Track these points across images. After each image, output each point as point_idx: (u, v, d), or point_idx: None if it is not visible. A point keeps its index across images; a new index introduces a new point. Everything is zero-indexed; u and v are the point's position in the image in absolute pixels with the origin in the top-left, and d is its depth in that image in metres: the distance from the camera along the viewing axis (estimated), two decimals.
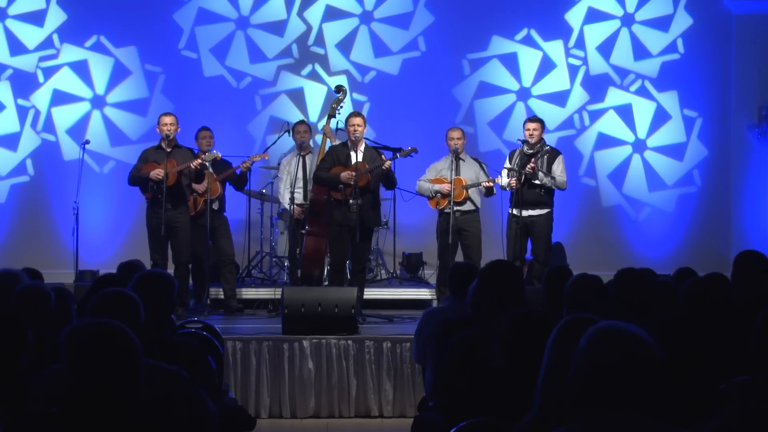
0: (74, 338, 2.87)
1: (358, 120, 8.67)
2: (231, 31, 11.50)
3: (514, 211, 9.03)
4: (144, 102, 11.41)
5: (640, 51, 11.71)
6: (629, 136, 11.71)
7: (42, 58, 11.34)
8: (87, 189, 10.41)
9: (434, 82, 11.50)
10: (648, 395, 2.49)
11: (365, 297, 8.99)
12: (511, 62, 11.63)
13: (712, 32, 11.74)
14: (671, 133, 11.73)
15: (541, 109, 11.17)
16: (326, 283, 9.19)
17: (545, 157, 9.06)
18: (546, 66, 11.64)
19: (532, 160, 8.95)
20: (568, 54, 11.63)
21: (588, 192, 11.65)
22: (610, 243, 11.52)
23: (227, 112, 11.33)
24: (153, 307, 4.12)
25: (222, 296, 9.38)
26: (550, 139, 10.24)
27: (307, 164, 9.59)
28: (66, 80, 11.36)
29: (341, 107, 9.76)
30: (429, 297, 9.82)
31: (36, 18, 11.34)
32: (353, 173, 8.48)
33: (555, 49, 11.64)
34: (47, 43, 11.34)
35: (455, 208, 8.99)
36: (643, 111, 11.71)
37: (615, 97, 11.69)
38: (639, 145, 11.72)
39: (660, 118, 11.72)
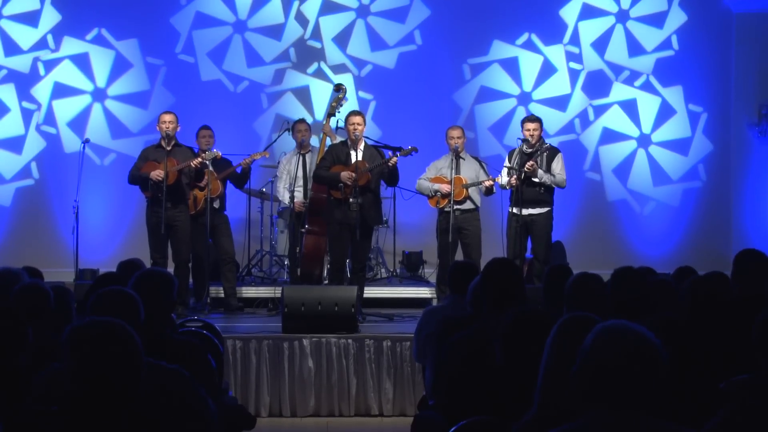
0: (76, 337, 2.86)
1: (357, 119, 8.67)
2: (228, 34, 11.49)
3: (514, 210, 9.03)
4: (145, 95, 11.41)
5: (634, 47, 11.71)
6: (634, 131, 11.71)
7: (42, 53, 11.32)
8: (87, 182, 10.38)
9: (435, 87, 11.49)
10: (652, 395, 2.49)
11: (365, 296, 8.99)
12: (511, 67, 11.63)
13: (713, 30, 11.73)
14: (676, 127, 11.73)
15: (542, 113, 11.06)
16: (326, 281, 9.19)
17: (544, 155, 9.06)
18: (547, 70, 11.64)
19: (531, 160, 8.94)
20: (568, 58, 11.61)
21: (593, 186, 11.66)
22: (610, 241, 11.52)
23: (233, 110, 11.35)
24: (153, 306, 4.12)
25: (222, 295, 9.38)
26: (551, 143, 10.22)
27: (307, 163, 9.59)
28: (67, 73, 11.36)
29: (341, 106, 9.75)
30: (429, 296, 9.82)
31: (30, 18, 11.32)
32: (353, 173, 8.48)
33: (556, 53, 11.64)
34: (42, 43, 11.32)
35: (455, 207, 8.99)
36: (648, 106, 11.71)
37: (619, 92, 11.69)
38: (644, 140, 11.73)
39: (665, 113, 11.72)
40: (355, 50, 11.58)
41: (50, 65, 11.35)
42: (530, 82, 11.63)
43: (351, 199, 8.48)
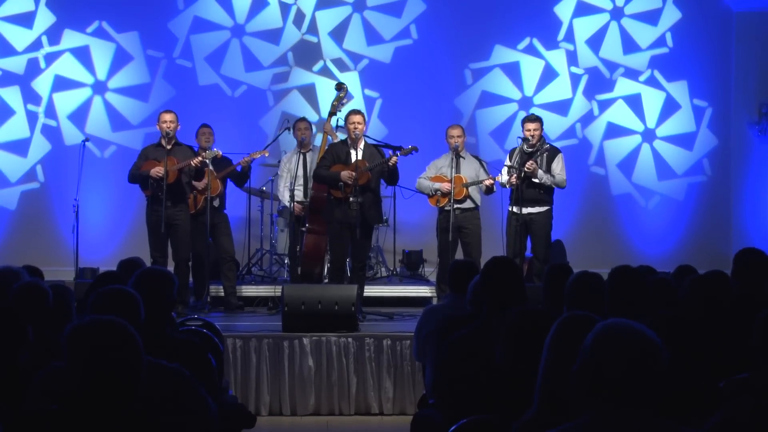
0: (76, 336, 2.87)
1: (358, 118, 8.67)
2: (226, 39, 11.47)
3: (514, 209, 9.03)
4: (145, 87, 11.41)
5: (629, 44, 11.71)
6: (639, 126, 11.72)
7: (38, 53, 11.31)
8: (88, 176, 10.36)
9: (437, 91, 11.47)
10: (653, 394, 2.49)
11: (365, 294, 8.99)
12: (513, 71, 11.63)
13: (713, 28, 11.73)
14: (681, 122, 11.73)
15: (543, 118, 11.08)
16: (326, 280, 9.20)
17: (545, 155, 9.05)
18: (548, 75, 11.63)
19: (531, 159, 8.92)
20: (570, 62, 11.60)
21: (597, 180, 11.66)
22: (610, 240, 11.52)
23: (238, 108, 11.35)
24: (153, 305, 4.12)
25: (222, 294, 9.38)
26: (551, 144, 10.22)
27: (307, 161, 9.59)
28: (68, 66, 11.36)
29: (342, 105, 9.75)
30: (429, 294, 9.83)
31: (25, 20, 11.31)
32: (353, 172, 8.47)
33: (557, 58, 11.64)
34: (36, 44, 11.31)
35: (455, 206, 8.99)
36: (653, 101, 11.71)
37: (624, 87, 11.69)
38: (648, 135, 11.73)
39: (670, 107, 11.72)
40: (351, 45, 11.58)
41: (51, 58, 11.34)
42: (531, 86, 11.62)
43: (351, 198, 8.47)
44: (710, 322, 4.37)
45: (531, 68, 11.64)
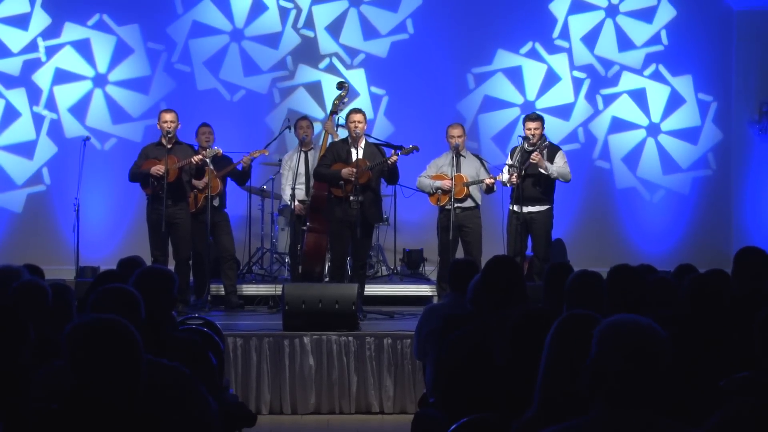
0: (76, 335, 2.87)
1: (358, 116, 8.66)
2: (225, 43, 11.46)
3: (515, 208, 9.03)
4: (146, 80, 11.41)
5: (624, 42, 11.70)
6: (643, 120, 11.72)
7: (44, 38, 11.32)
8: (88, 170, 10.33)
9: (439, 96, 11.44)
10: (659, 390, 2.49)
11: (366, 293, 8.99)
12: (515, 76, 11.63)
13: (713, 27, 11.72)
14: (686, 117, 11.73)
15: (545, 122, 11.08)
16: (327, 279, 9.19)
17: (545, 152, 9.05)
18: (550, 79, 11.63)
19: (536, 152, 8.90)
20: (572, 66, 11.59)
21: (602, 174, 11.67)
22: (610, 239, 11.53)
23: (238, 111, 11.33)
24: (153, 304, 4.12)
25: (223, 292, 9.38)
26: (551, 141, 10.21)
27: (309, 160, 9.59)
28: (68, 59, 11.35)
29: (344, 104, 9.75)
30: (429, 293, 9.83)
31: (20, 21, 11.30)
32: (354, 170, 8.47)
33: (559, 62, 11.63)
34: (31, 46, 11.30)
35: (456, 205, 8.99)
36: (658, 95, 11.70)
37: (629, 81, 11.68)
38: (653, 129, 11.73)
39: (674, 102, 11.72)
40: (347, 39, 11.57)
41: (51, 51, 11.34)
42: (534, 91, 11.62)
43: (351, 197, 8.47)
44: (710, 321, 4.37)
45: (533, 72, 11.63)
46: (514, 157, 9.16)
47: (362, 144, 8.69)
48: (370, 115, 11.31)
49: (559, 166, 9.03)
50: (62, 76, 11.35)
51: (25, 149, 11.31)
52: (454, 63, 11.57)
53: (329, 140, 9.42)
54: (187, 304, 8.99)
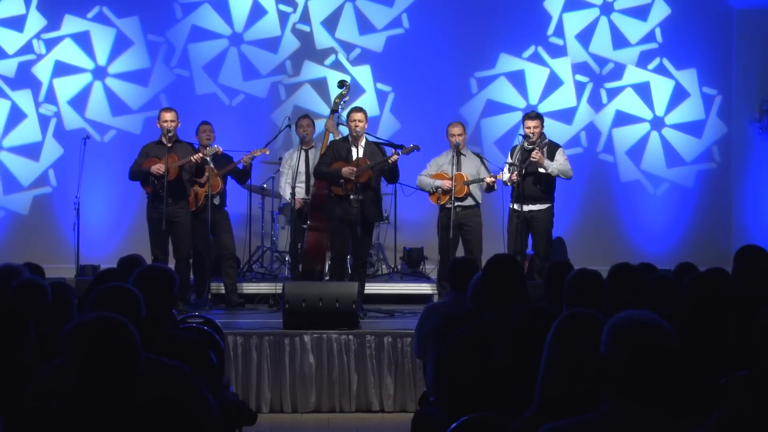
0: (76, 334, 2.87)
1: (359, 115, 8.66)
2: (224, 47, 11.44)
3: (515, 206, 9.03)
4: (145, 72, 11.40)
5: (618, 40, 11.69)
6: (647, 114, 11.71)
7: (44, 31, 11.32)
8: (89, 165, 10.30)
9: (441, 101, 11.41)
10: (670, 387, 2.49)
11: (366, 292, 8.99)
12: (518, 80, 11.61)
13: (714, 25, 11.71)
14: (690, 110, 11.72)
15: (547, 126, 11.00)
16: (327, 277, 9.20)
17: (545, 150, 9.04)
18: (553, 83, 11.62)
19: (536, 150, 8.89)
20: (574, 70, 11.59)
21: (606, 167, 11.66)
22: (611, 238, 11.52)
23: (236, 115, 11.33)
24: (154, 302, 4.12)
25: (223, 291, 9.38)
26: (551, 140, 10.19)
27: (309, 158, 9.59)
28: (68, 52, 11.34)
29: (345, 102, 9.75)
30: (430, 292, 9.83)
31: (15, 23, 11.29)
32: (354, 169, 8.47)
33: (562, 66, 11.62)
34: (27, 48, 11.28)
35: (456, 204, 8.98)
36: (662, 89, 11.69)
37: (633, 75, 11.68)
38: (657, 123, 11.73)
39: (678, 95, 11.71)
40: (343, 34, 11.55)
41: (51, 44, 11.33)
42: (536, 95, 11.60)
43: (352, 196, 8.47)
44: (711, 320, 4.37)
45: (536, 77, 11.61)
46: (515, 155, 9.16)
47: (363, 143, 8.68)
48: (376, 111, 11.35)
49: (559, 162, 9.02)
50: (62, 69, 11.34)
51: (31, 151, 11.30)
52: (456, 67, 11.54)
53: (330, 138, 9.43)
54: (188, 303, 8.99)
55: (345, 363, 7.67)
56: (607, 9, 11.71)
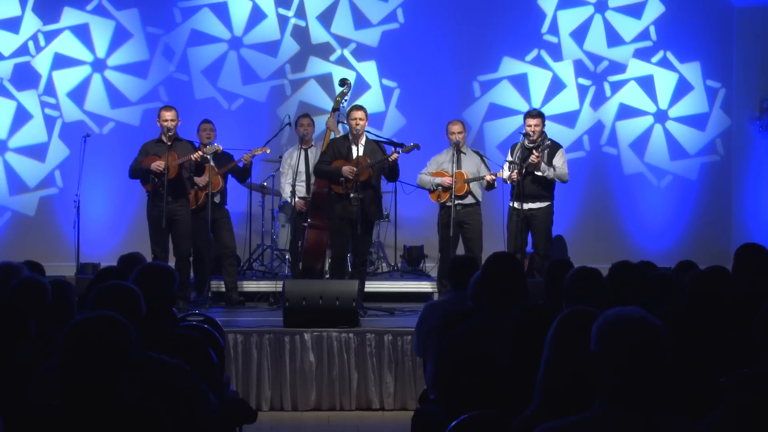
0: (71, 332, 2.88)
1: (360, 113, 8.65)
2: (224, 51, 11.42)
3: (515, 204, 9.03)
4: (144, 64, 11.38)
5: (613, 38, 11.68)
6: (651, 107, 11.70)
7: (44, 24, 11.31)
8: (89, 160, 10.24)
9: (445, 105, 11.36)
10: (662, 385, 2.48)
11: (366, 290, 8.99)
12: (521, 83, 11.60)
13: (714, 24, 11.71)
14: (693, 103, 11.70)
15: (550, 129, 10.91)
16: (327, 276, 9.20)
17: (546, 151, 9.05)
18: (556, 86, 11.60)
19: (536, 151, 8.89)
20: (577, 73, 11.57)
21: (609, 160, 11.65)
22: (611, 236, 11.51)
23: (251, 105, 11.32)
24: (154, 300, 4.12)
25: (223, 289, 9.38)
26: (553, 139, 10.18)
27: (309, 158, 9.58)
28: (67, 44, 11.33)
29: (345, 101, 9.74)
30: (430, 290, 9.83)
31: (11, 25, 11.27)
32: (354, 167, 8.47)
33: (565, 69, 11.61)
34: (22, 49, 11.26)
35: (456, 202, 8.98)
36: (665, 82, 11.68)
37: (636, 68, 11.67)
38: (661, 116, 11.72)
39: (682, 88, 11.70)
40: (338, 29, 11.53)
41: (50, 36, 11.32)
42: (539, 98, 11.59)
43: (351, 194, 8.47)
44: (711, 318, 4.37)
45: (539, 80, 11.60)
46: (515, 153, 9.16)
47: (363, 141, 8.68)
48: (382, 107, 11.34)
49: (557, 167, 9.03)
50: (61, 61, 11.32)
51: (37, 152, 11.29)
52: (457, 70, 11.52)
53: (331, 136, 9.43)
54: (188, 301, 8.99)
55: (345, 361, 7.67)
56: (601, 7, 11.70)
